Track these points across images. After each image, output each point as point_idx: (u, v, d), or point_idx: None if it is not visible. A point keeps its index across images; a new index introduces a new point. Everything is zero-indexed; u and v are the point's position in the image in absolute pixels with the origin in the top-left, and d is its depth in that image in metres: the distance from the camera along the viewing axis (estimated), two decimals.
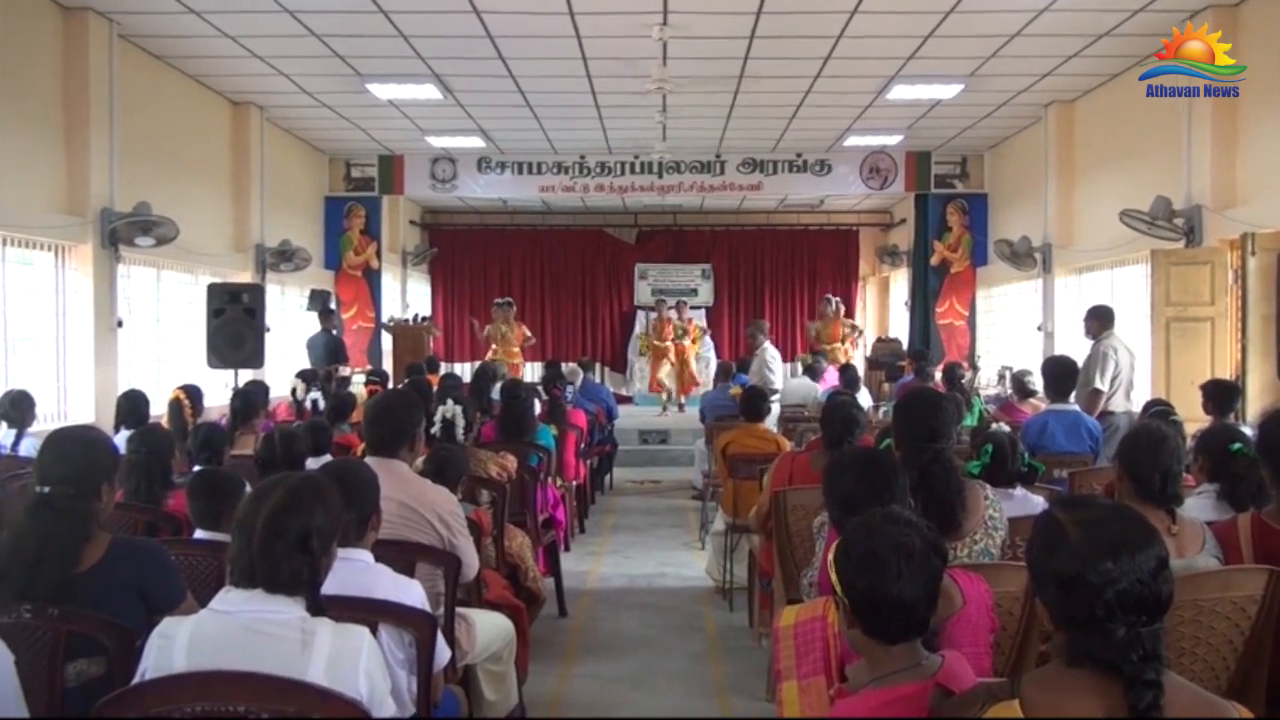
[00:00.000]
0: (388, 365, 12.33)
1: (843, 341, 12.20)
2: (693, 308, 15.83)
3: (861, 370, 11.71)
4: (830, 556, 1.91)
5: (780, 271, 16.35)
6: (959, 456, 3.17)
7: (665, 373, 13.47)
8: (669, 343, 13.56)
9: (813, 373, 9.66)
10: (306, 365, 10.12)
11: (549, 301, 16.20)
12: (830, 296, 13.03)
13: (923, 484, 2.75)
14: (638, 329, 15.53)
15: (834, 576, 1.87)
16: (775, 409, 8.17)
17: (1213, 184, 7.19)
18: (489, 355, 12.83)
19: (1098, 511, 1.60)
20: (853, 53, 8.14)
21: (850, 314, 14.52)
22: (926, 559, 1.83)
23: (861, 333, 13.63)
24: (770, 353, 10.02)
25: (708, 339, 15.23)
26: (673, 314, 13.80)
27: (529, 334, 12.83)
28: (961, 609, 2.22)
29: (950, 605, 2.20)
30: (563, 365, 10.50)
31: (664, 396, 13.49)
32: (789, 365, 12.30)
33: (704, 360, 14.57)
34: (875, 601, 1.81)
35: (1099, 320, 6.69)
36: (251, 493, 2.07)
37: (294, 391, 7.26)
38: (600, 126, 10.93)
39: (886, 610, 1.80)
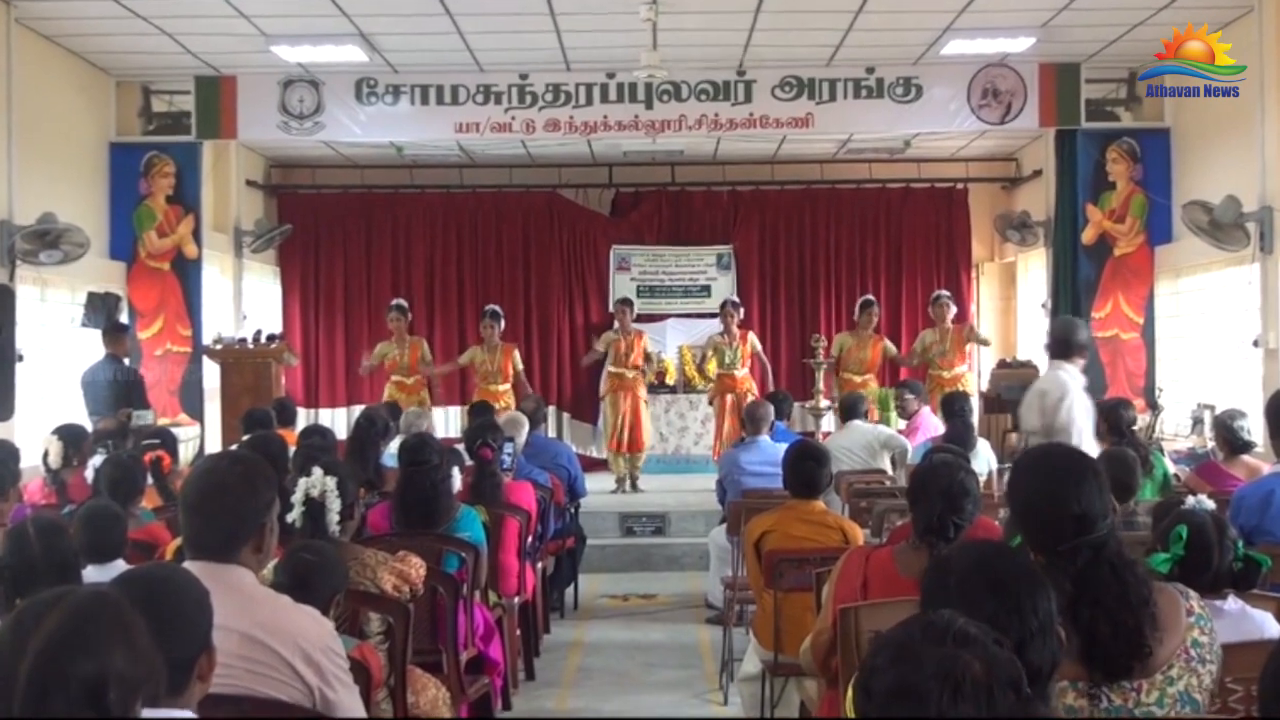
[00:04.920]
0: (213, 411, 12.30)
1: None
2: (700, 315, 15.93)
3: (975, 413, 11.76)
4: (849, 692, 1.95)
5: (841, 256, 16.43)
6: (1133, 545, 3.20)
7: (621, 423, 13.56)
8: (633, 372, 13.60)
9: (854, 412, 9.74)
10: (85, 411, 10.09)
11: (472, 307, 16.19)
12: (942, 293, 13.21)
13: (1083, 598, 2.79)
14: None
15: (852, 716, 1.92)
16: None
17: None
18: (385, 394, 12.82)
19: None
20: None
21: (963, 318, 14.66)
22: (987, 695, 1.85)
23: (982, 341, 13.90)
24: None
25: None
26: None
27: (519, 363, 13.48)
28: None
29: None
30: (497, 411, 10.49)
31: (620, 463, 13.56)
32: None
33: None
34: None
35: None
36: (9, 621, 2.07)
37: (46, 458, 7.23)
38: (553, 27, 10.99)
39: None
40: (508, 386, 13.16)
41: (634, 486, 13.55)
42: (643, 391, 13.77)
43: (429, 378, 13.59)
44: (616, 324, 13.96)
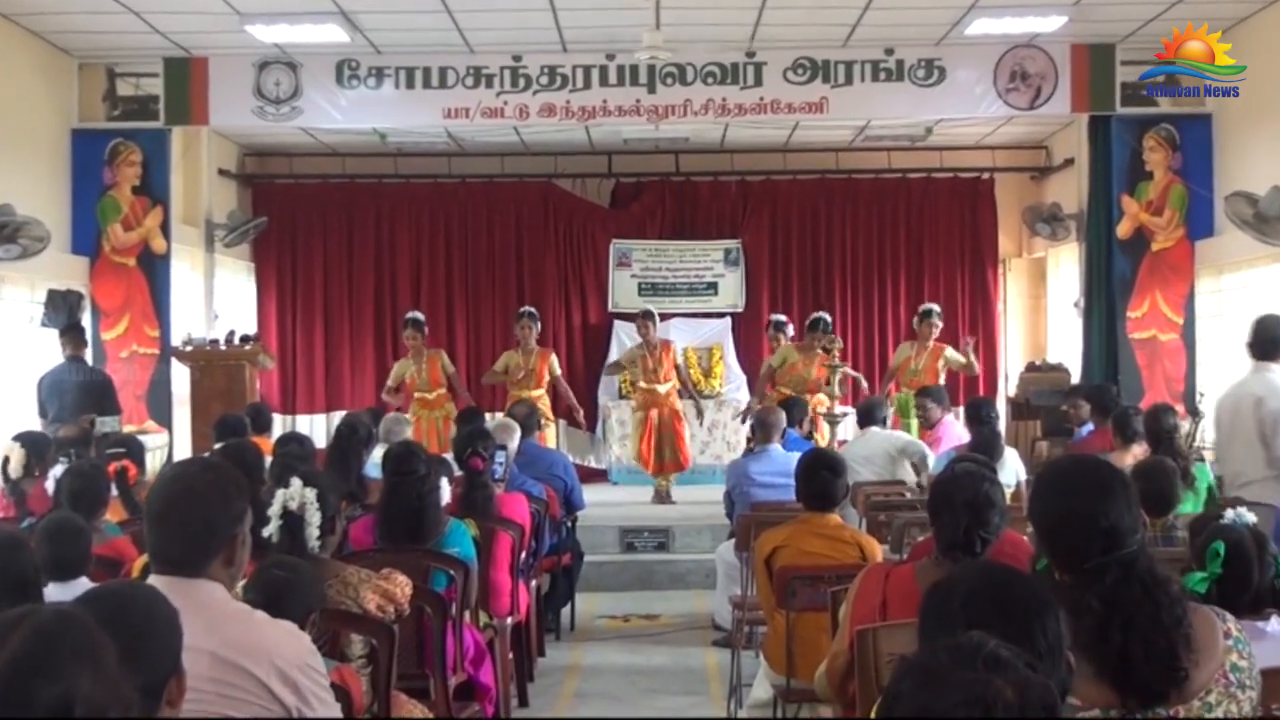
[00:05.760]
0: (183, 417, 12.30)
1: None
2: (706, 315, 15.93)
3: (1002, 420, 11.76)
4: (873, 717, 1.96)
5: (858, 251, 16.44)
6: (1170, 563, 3.20)
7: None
8: (665, 385, 13.44)
9: (872, 418, 9.73)
10: (38, 416, 10.09)
11: (461, 308, 16.22)
12: (931, 307, 12.93)
13: (1113, 619, 2.80)
14: (615, 353, 15.53)
15: None
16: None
17: None
18: (409, 410, 12.76)
19: None
20: None
21: (991, 337, 14.60)
22: None
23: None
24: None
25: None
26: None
27: (556, 368, 13.34)
28: None
29: None
30: (488, 418, 10.49)
31: (661, 478, 13.44)
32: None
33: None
34: None
35: None
36: None
37: (5, 467, 7.23)
38: (548, 4, 11.02)
39: None
40: (541, 392, 13.04)
41: (667, 498, 13.40)
42: (679, 405, 13.56)
43: (455, 388, 13.38)
44: (641, 331, 13.59)
